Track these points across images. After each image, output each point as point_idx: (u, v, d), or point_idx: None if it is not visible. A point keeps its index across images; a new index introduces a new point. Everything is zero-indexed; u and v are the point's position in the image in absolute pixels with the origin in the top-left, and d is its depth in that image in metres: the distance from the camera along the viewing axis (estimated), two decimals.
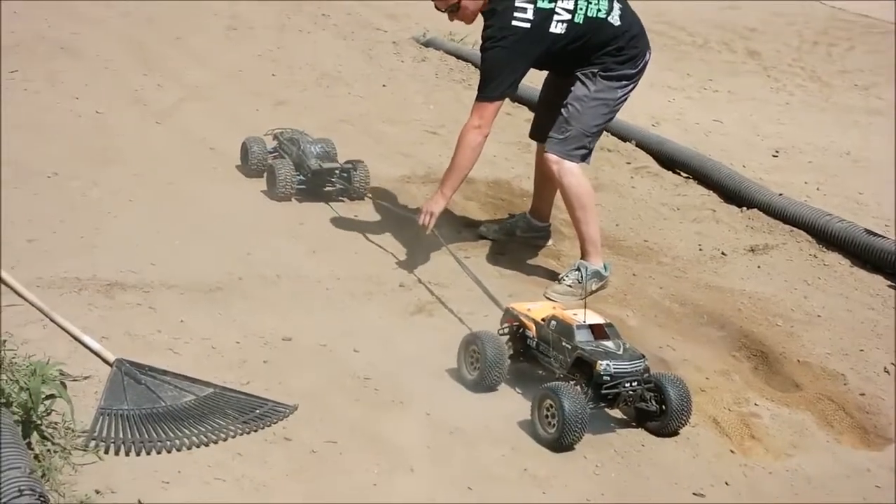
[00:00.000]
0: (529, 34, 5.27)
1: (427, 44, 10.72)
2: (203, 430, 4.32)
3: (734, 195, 7.35)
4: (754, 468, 4.46)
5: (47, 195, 6.51)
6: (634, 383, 4.48)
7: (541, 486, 4.22)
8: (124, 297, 5.33)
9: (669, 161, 8.05)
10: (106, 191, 6.65)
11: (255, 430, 4.37)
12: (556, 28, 5.37)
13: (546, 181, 6.01)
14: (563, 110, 5.57)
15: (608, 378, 4.43)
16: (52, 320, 4.97)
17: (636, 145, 8.30)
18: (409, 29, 11.14)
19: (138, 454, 4.15)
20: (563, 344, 4.57)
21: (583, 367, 4.51)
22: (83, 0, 10.74)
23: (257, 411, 4.48)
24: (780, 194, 7.25)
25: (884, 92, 10.74)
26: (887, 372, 5.27)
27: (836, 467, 4.51)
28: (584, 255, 5.84)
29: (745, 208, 7.20)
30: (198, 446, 4.24)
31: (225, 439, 4.29)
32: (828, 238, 6.66)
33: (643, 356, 4.58)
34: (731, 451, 4.57)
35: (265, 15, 11.20)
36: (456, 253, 6.00)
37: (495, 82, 5.34)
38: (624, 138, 8.39)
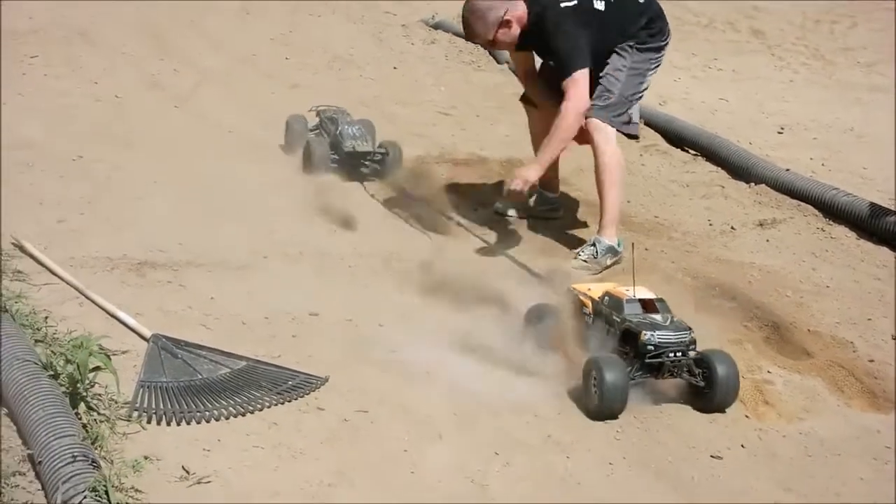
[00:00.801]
0: (577, 10, 5.83)
1: (436, 26, 10.83)
2: (239, 400, 4.48)
3: (742, 171, 7.49)
4: (769, 431, 4.61)
5: (73, 177, 6.65)
6: (679, 354, 4.61)
7: (564, 450, 4.37)
8: (155, 275, 5.48)
9: (678, 139, 8.18)
10: (130, 173, 6.80)
11: (289, 401, 4.52)
12: (598, 5, 5.91)
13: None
14: (602, 81, 5.94)
15: (652, 348, 4.58)
16: (87, 298, 5.12)
17: (645, 124, 8.39)
18: (418, 11, 11.25)
19: (179, 424, 4.30)
20: (614, 317, 4.74)
21: (630, 339, 4.66)
22: None
23: (290, 383, 4.63)
24: (787, 170, 7.38)
25: (886, 69, 10.84)
26: (894, 339, 5.41)
27: (847, 429, 4.66)
28: (600, 230, 6.04)
29: (752, 184, 7.34)
30: (235, 416, 4.39)
31: (261, 409, 4.44)
32: (834, 212, 6.80)
33: (689, 328, 4.69)
34: (746, 417, 4.71)
35: None
36: (475, 231, 6.16)
37: (576, 54, 5.78)
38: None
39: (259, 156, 7.37)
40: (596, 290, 4.97)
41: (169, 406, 4.38)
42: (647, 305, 4.73)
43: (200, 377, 4.58)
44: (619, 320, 4.71)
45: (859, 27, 12.37)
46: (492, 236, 6.34)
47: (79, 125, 7.58)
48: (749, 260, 6.27)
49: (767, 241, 6.57)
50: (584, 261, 5.94)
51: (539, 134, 6.35)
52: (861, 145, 8.60)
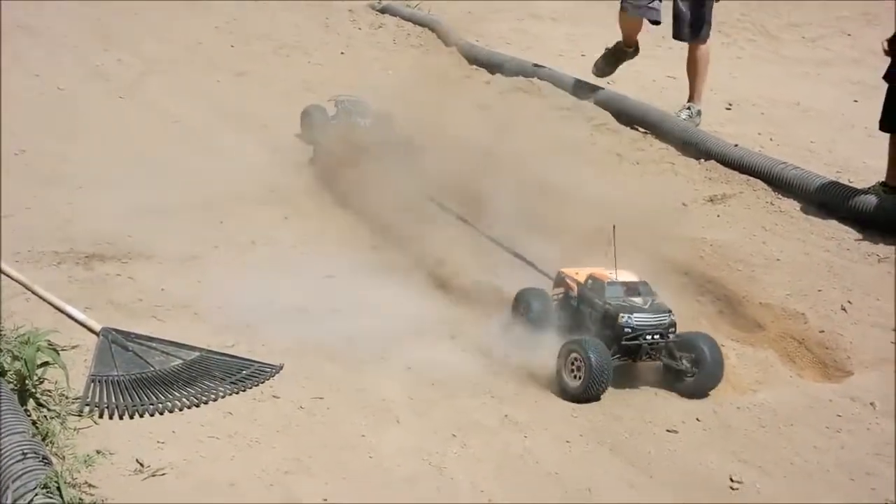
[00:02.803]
0: None
1: (383, 10, 10.78)
2: (193, 391, 4.44)
3: (692, 148, 7.53)
4: (723, 404, 4.66)
5: (17, 172, 6.56)
6: (656, 336, 4.64)
7: (522, 430, 4.38)
8: (103, 268, 5.41)
9: (628, 117, 8.21)
10: (75, 166, 6.72)
11: (244, 390, 4.49)
12: None
13: None
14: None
15: (629, 330, 4.62)
16: (34, 293, 5.04)
17: (595, 103, 8.44)
18: None
19: (132, 417, 4.26)
20: (595, 300, 4.79)
21: (609, 321, 4.70)
22: None
23: (244, 372, 4.60)
24: (736, 145, 7.44)
25: (831, 43, 10.97)
26: (844, 310, 5.48)
27: (800, 399, 4.72)
28: (690, 98, 7.99)
29: (702, 160, 7.39)
30: (189, 407, 4.36)
31: (215, 399, 4.41)
32: (783, 185, 6.86)
33: (669, 311, 4.73)
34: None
35: None
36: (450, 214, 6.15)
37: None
38: (582, 97, 8.52)
39: (207, 145, 7.29)
40: (583, 273, 5.02)
41: (121, 399, 4.33)
42: (629, 288, 4.79)
43: (152, 369, 4.54)
44: (600, 303, 4.77)
45: (803, 2, 12.47)
46: (473, 216, 6.26)
47: (22, 119, 7.45)
48: (700, 235, 6.31)
49: (718, 216, 6.63)
50: (685, 118, 7.75)
51: None
52: (807, 119, 8.69)
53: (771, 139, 8.15)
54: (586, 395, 4.53)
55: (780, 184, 6.89)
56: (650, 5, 7.98)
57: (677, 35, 8.07)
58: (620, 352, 4.64)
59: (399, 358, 4.81)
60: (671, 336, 4.67)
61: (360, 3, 10.96)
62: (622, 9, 8.05)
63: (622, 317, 4.61)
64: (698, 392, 4.66)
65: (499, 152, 7.14)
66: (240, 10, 10.58)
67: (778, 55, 10.70)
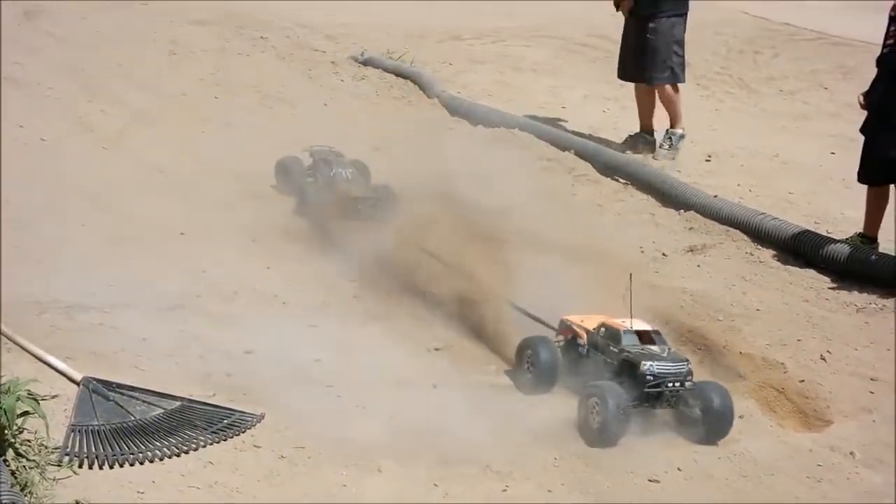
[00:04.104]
0: None
1: (366, 62, 10.88)
2: (174, 441, 4.43)
3: (672, 199, 7.63)
4: (704, 454, 4.69)
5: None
6: (677, 383, 4.74)
7: (503, 479, 4.39)
8: (85, 317, 5.41)
9: (607, 168, 8.30)
10: (58, 216, 6.71)
11: (225, 440, 4.48)
12: None
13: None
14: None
15: (651, 378, 4.71)
16: (16, 343, 5.02)
17: (575, 154, 8.54)
18: (347, 49, 11.28)
19: (112, 467, 4.25)
20: (611, 348, 4.89)
21: (628, 368, 4.78)
22: (23, 29, 10.72)
23: (225, 421, 4.60)
24: (716, 196, 7.53)
25: (808, 97, 11.13)
26: (823, 359, 5.53)
27: (781, 449, 4.76)
28: (673, 125, 8.59)
29: (682, 211, 7.48)
30: (169, 457, 4.35)
31: (196, 449, 4.39)
32: (762, 235, 6.94)
33: (686, 359, 4.86)
34: (682, 439, 4.77)
35: (204, 38, 11.26)
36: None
37: None
38: (564, 148, 8.62)
39: (190, 195, 7.32)
40: (590, 321, 5.12)
41: (101, 449, 4.32)
42: (644, 337, 4.90)
43: (133, 419, 4.52)
44: (616, 351, 4.87)
45: (781, 56, 12.69)
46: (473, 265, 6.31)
47: (4, 170, 7.44)
48: (680, 285, 6.38)
49: (698, 266, 6.70)
50: (667, 150, 8.33)
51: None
52: (786, 171, 8.80)
53: (750, 190, 8.25)
54: (603, 439, 4.60)
55: (758, 234, 6.97)
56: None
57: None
58: (641, 399, 4.70)
59: (381, 407, 4.83)
60: (688, 384, 4.71)
61: (342, 56, 11.07)
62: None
63: (645, 364, 4.69)
64: (708, 439, 4.75)
65: (480, 203, 7.19)
66: (224, 62, 10.66)
67: (757, 108, 10.85)
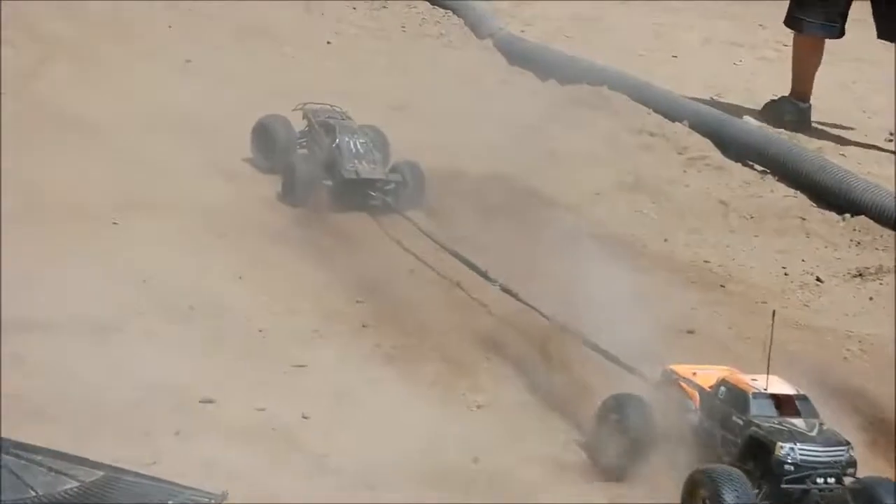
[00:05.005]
0: None
1: None
2: None
3: (833, 196, 7.55)
4: None
5: None
6: (831, 479, 4.62)
7: None
8: None
9: (737, 148, 8.22)
10: None
11: None
12: None
13: None
14: None
15: (791, 467, 4.60)
16: None
17: (690, 126, 8.46)
18: None
19: None
20: (734, 418, 4.78)
21: (758, 451, 4.67)
22: None
23: (170, 502, 4.55)
24: None
25: None
26: None
27: None
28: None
29: (848, 215, 7.40)
30: None
31: None
32: None
33: (847, 443, 4.70)
34: None
35: None
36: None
37: None
38: (673, 117, 8.56)
39: (126, 162, 7.31)
40: (706, 375, 5.04)
41: None
42: (784, 404, 4.78)
43: (34, 496, 4.49)
44: (741, 423, 4.76)
45: None
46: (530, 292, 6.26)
47: None
48: (844, 326, 6.32)
49: (870, 298, 6.65)
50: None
51: None
52: None
53: None
54: None
55: None
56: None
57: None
58: (776, 498, 4.59)
59: (392, 488, 4.77)
60: (849, 479, 4.63)
61: None
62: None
63: (781, 447, 4.59)
64: None
65: (549, 194, 7.15)
66: None
67: None
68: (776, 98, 8.83)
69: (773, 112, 8.77)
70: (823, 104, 9.45)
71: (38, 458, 4.67)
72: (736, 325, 6.28)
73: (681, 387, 5.04)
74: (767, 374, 4.84)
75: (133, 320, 5.79)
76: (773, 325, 4.91)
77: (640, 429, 4.94)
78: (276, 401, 5.30)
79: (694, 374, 5.07)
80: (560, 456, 5.25)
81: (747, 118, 8.61)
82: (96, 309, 5.80)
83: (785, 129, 8.60)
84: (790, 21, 8.76)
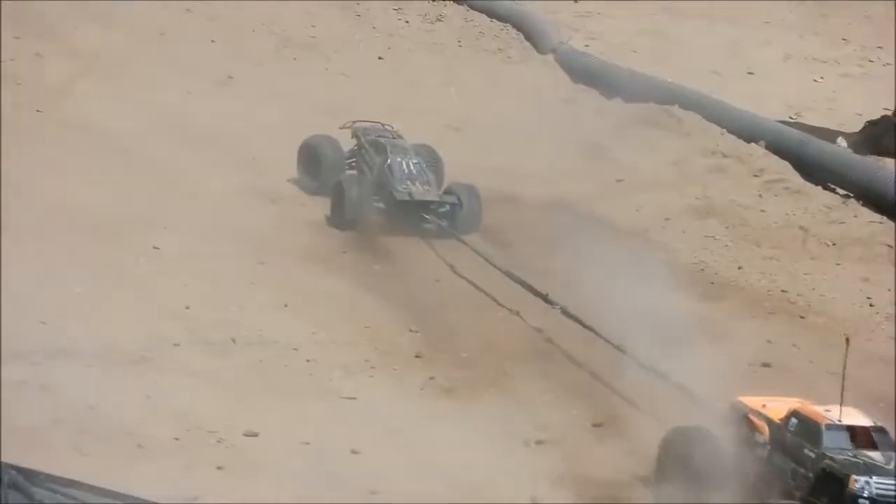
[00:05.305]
0: None
1: None
2: None
3: None
4: None
5: None
6: None
7: None
8: (6, 371, 5.47)
9: (819, 170, 8.17)
10: None
11: None
12: None
13: None
14: None
15: (866, 501, 4.66)
16: None
17: (767, 147, 8.43)
18: None
19: None
20: (807, 451, 4.84)
21: (831, 484, 4.73)
22: None
23: None
24: None
25: None
26: None
27: None
28: None
29: None
30: None
31: None
32: None
33: None
34: None
35: None
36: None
37: None
38: (749, 137, 8.53)
39: (167, 189, 7.38)
40: (776, 408, 5.08)
41: None
42: (859, 436, 4.84)
43: None
44: (813, 455, 4.81)
45: None
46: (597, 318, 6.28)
47: None
48: None
49: None
50: None
51: None
52: None
53: None
54: None
55: None
56: None
57: None
58: None
59: None
60: None
61: None
62: None
63: (856, 480, 4.61)
64: None
65: (615, 220, 7.18)
66: None
67: None
68: (877, 119, 8.66)
69: (873, 134, 8.59)
70: None
71: (73, 490, 4.74)
72: (817, 359, 6.27)
73: (749, 419, 5.04)
74: (841, 403, 4.84)
75: (168, 351, 5.82)
76: (846, 350, 4.92)
77: (705, 463, 4.95)
78: (324, 435, 5.34)
79: (763, 405, 5.11)
80: (625, 496, 5.26)
81: (841, 140, 8.41)
82: (130, 339, 5.84)
83: (884, 154, 8.43)
84: None
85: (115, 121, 8.20)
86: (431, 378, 5.96)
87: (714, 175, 8.23)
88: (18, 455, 4.80)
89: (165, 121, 8.10)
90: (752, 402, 5.17)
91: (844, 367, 5.02)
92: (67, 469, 4.85)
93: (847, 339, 5.16)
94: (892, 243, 7.46)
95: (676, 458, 5.04)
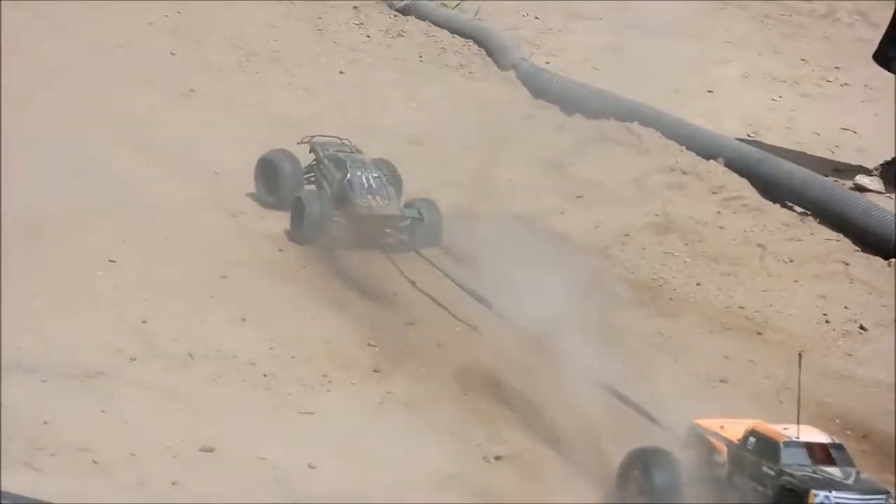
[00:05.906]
0: None
1: (405, 10, 10.90)
2: None
3: (878, 240, 7.55)
4: None
5: None
6: None
7: None
8: None
9: (775, 188, 8.22)
10: None
11: None
12: None
13: None
14: None
15: None
16: None
17: (726, 165, 8.47)
18: None
19: None
20: (765, 468, 4.81)
21: (791, 500, 4.68)
22: None
23: None
24: None
25: None
26: None
27: None
28: None
29: (894, 260, 7.39)
30: None
31: None
32: None
33: (887, 492, 4.74)
34: None
35: None
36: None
37: None
38: (708, 155, 8.57)
39: (125, 202, 7.34)
40: (734, 428, 5.05)
41: None
42: (817, 452, 4.81)
43: None
44: (773, 473, 4.79)
45: None
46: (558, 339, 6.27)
47: None
48: (889, 378, 6.29)
49: None
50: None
51: None
52: None
53: None
54: None
55: None
56: None
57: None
58: None
59: None
60: None
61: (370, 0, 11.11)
62: None
63: (815, 494, 4.61)
64: None
65: (574, 236, 7.18)
66: (187, 2, 10.73)
67: None
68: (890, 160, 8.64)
69: (886, 175, 8.62)
70: (865, 140, 9.47)
71: None
72: (773, 375, 6.26)
73: (708, 440, 5.05)
74: (798, 421, 4.84)
75: (125, 366, 5.79)
76: (800, 366, 4.92)
77: (664, 484, 4.94)
78: (280, 450, 5.30)
79: (722, 426, 5.09)
80: None
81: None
82: (86, 353, 5.82)
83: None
84: (882, 59, 8.68)
85: (75, 133, 8.14)
86: (389, 393, 5.92)
87: (673, 192, 8.22)
88: None
89: (126, 133, 8.02)
90: (710, 422, 5.14)
91: (799, 383, 5.01)
92: (21, 486, 4.82)
93: (800, 355, 5.13)
94: (849, 261, 7.50)
95: (634, 478, 5.03)
